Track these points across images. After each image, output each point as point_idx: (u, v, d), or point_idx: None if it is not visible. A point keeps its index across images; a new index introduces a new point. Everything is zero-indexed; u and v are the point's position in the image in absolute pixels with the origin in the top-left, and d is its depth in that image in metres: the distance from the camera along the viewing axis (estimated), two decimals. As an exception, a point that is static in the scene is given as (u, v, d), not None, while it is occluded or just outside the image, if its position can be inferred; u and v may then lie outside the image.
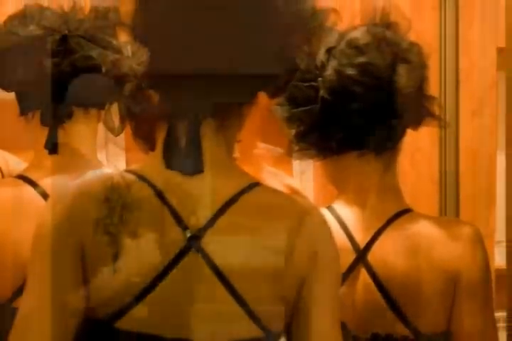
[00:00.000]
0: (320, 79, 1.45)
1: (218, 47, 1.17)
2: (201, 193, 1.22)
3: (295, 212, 1.23)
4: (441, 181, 2.72)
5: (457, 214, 2.73)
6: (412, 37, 2.73)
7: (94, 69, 1.75)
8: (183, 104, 1.20)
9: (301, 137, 1.50)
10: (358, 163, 1.53)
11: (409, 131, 2.69)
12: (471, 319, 1.39)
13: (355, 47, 1.47)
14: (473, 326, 1.39)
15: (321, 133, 1.48)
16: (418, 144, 2.72)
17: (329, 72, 1.45)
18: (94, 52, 1.77)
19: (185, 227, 1.18)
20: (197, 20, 1.16)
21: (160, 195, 1.20)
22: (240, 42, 1.17)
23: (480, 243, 1.45)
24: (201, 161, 1.19)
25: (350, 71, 1.44)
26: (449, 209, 2.72)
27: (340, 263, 1.28)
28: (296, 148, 1.52)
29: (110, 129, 1.67)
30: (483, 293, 1.42)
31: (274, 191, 1.29)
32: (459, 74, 2.69)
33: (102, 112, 1.75)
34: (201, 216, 1.20)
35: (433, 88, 2.71)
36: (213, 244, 1.19)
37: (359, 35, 1.50)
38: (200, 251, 1.17)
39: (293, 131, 1.50)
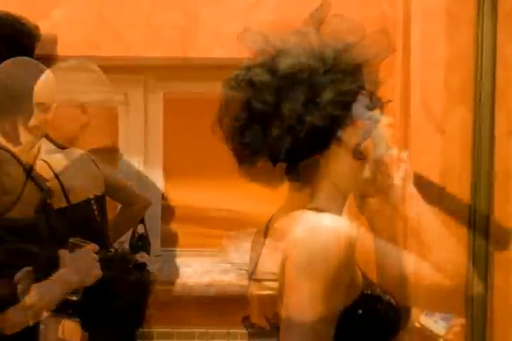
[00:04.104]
0: None
1: None
2: None
3: None
4: (473, 198, 2.65)
5: (487, 233, 2.65)
6: (448, 51, 2.63)
7: None
8: None
9: None
10: None
11: (441, 151, 2.66)
12: (285, 298, 1.42)
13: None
14: (286, 305, 1.41)
15: None
16: (448, 164, 2.67)
17: None
18: None
19: None
20: None
21: None
22: None
23: (324, 233, 1.40)
24: None
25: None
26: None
27: None
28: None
29: None
30: (303, 274, 1.39)
31: None
32: (495, 92, 2.57)
33: None
34: None
35: (468, 105, 2.61)
36: None
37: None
38: None
39: None
